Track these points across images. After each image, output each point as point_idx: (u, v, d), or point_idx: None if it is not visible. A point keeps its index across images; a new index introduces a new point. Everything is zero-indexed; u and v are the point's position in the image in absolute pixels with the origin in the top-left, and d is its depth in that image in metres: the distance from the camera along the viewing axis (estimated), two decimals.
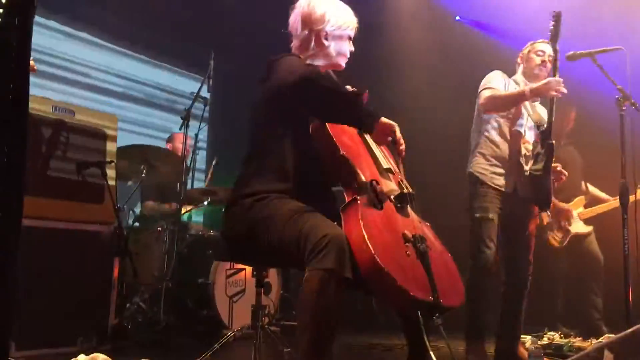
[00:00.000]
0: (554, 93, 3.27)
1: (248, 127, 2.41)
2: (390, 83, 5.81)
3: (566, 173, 3.53)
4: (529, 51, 3.61)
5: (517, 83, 3.62)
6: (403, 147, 2.29)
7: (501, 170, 3.48)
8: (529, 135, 3.57)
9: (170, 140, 5.59)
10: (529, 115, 3.54)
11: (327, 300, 1.92)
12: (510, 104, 3.47)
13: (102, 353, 2.72)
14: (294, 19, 2.48)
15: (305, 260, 1.97)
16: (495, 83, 3.52)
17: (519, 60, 3.67)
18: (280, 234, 2.08)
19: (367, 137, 2.40)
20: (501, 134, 3.53)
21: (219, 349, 2.37)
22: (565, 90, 3.29)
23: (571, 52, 3.25)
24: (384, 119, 2.21)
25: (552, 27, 3.30)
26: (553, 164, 3.39)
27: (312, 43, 2.46)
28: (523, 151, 3.50)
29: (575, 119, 4.90)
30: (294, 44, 2.50)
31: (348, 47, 2.51)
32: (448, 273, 2.21)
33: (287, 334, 3.62)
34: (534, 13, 4.92)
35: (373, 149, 2.38)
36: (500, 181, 3.46)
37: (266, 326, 2.47)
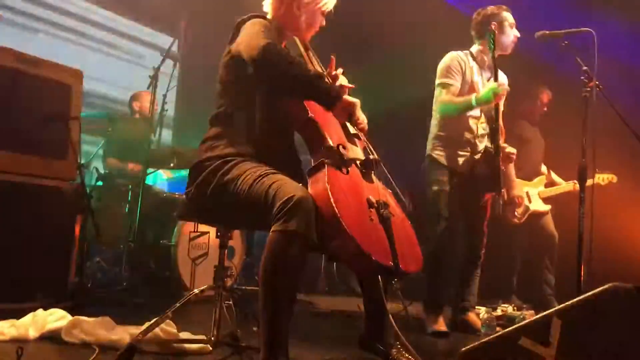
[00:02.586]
0: (498, 99, 3.44)
1: (215, 86, 2.40)
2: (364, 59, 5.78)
3: (514, 154, 3.65)
4: (504, 19, 3.64)
5: (474, 58, 3.69)
6: (363, 125, 2.33)
7: (459, 152, 3.62)
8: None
9: (136, 98, 5.45)
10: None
11: (290, 262, 1.94)
12: (459, 112, 3.59)
13: (62, 309, 2.72)
14: None
15: (271, 221, 1.98)
16: (453, 76, 3.58)
17: (492, 27, 3.59)
18: (247, 195, 2.09)
19: None
20: (457, 117, 3.62)
21: (179, 308, 2.37)
22: (506, 91, 3.46)
23: (540, 33, 3.29)
24: (345, 97, 2.23)
25: (492, 36, 3.46)
26: (502, 145, 3.54)
27: (282, 9, 2.45)
28: (480, 131, 3.62)
29: (549, 102, 4.98)
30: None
31: (319, 22, 2.49)
32: (408, 239, 2.25)
33: (249, 298, 3.65)
34: None
35: None
36: (457, 162, 3.61)
37: (228, 287, 2.47)
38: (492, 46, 3.48)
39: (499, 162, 3.47)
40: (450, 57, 3.66)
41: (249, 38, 2.20)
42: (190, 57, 5.57)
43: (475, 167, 3.61)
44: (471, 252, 3.71)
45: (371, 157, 2.33)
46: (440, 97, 3.60)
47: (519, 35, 3.65)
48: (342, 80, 2.45)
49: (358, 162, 2.29)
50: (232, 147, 2.24)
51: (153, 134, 4.66)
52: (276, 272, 1.96)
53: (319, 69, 2.44)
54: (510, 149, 3.62)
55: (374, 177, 2.33)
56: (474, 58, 3.70)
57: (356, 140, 2.41)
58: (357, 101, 2.25)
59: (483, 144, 3.64)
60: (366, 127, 2.37)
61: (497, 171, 3.47)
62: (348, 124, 2.39)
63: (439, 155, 3.63)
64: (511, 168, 4.35)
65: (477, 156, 3.63)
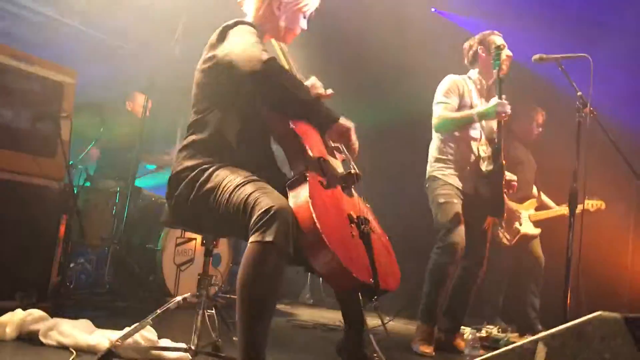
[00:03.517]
0: (501, 116, 3.45)
1: (194, 90, 2.34)
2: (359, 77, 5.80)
3: (515, 181, 3.67)
4: (491, 42, 3.67)
5: (472, 81, 3.72)
6: (355, 147, 2.32)
7: (462, 174, 3.62)
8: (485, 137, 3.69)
9: (129, 98, 5.39)
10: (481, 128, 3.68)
11: (266, 273, 1.91)
12: (459, 127, 3.60)
13: (41, 310, 2.68)
14: None
15: (249, 231, 1.95)
16: (450, 96, 3.60)
17: (478, 51, 3.72)
18: (227, 205, 2.06)
19: None
20: (458, 138, 3.64)
21: (160, 314, 2.33)
22: (509, 112, 3.47)
23: (537, 55, 3.30)
24: (341, 121, 2.23)
25: (497, 54, 3.50)
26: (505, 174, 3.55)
27: (262, 10, 2.41)
28: (481, 154, 3.61)
29: (544, 123, 4.99)
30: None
31: (300, 25, 2.46)
32: (387, 256, 2.23)
33: (233, 307, 3.62)
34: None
35: None
36: (460, 183, 3.61)
37: (211, 295, 2.44)
38: (497, 63, 3.50)
39: (502, 184, 3.48)
40: (449, 80, 3.69)
41: (245, 48, 2.14)
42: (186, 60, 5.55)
43: (478, 189, 3.59)
44: (469, 273, 3.65)
45: (352, 171, 2.30)
46: (438, 113, 3.60)
47: (511, 54, 3.66)
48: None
49: (339, 175, 2.26)
50: (210, 155, 2.21)
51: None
52: (253, 282, 1.93)
53: (298, 75, 2.41)
54: (511, 177, 3.63)
55: (353, 192, 2.30)
56: (473, 82, 3.73)
57: (336, 153, 2.39)
58: (352, 125, 2.26)
59: (484, 165, 3.62)
60: (357, 149, 2.36)
61: (500, 194, 3.48)
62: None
63: (443, 175, 3.62)
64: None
65: (480, 178, 3.60)
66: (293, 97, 2.16)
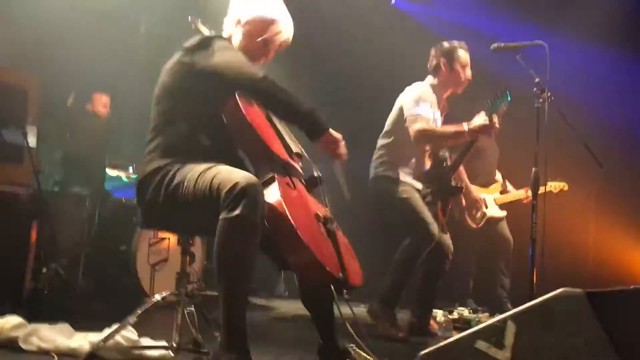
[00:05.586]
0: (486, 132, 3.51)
1: (158, 91, 2.35)
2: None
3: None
4: (455, 59, 3.73)
5: (434, 91, 3.75)
6: (344, 156, 2.41)
7: (412, 173, 3.71)
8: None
9: (90, 99, 5.30)
10: None
11: (237, 247, 1.98)
12: (447, 141, 3.67)
13: (18, 317, 2.66)
14: None
15: (220, 211, 2.00)
16: (424, 109, 3.61)
17: (440, 64, 3.76)
18: (194, 195, 2.09)
19: (275, 119, 2.45)
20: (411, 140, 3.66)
21: (139, 315, 2.35)
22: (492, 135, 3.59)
23: (496, 44, 3.40)
24: (331, 132, 2.32)
25: (499, 101, 3.52)
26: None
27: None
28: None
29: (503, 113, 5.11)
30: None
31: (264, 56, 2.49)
32: (350, 254, 2.33)
33: (210, 303, 3.64)
34: None
35: (281, 131, 2.44)
36: (414, 182, 3.70)
37: (189, 293, 2.47)
38: (493, 110, 3.50)
39: (449, 173, 3.60)
40: (420, 89, 3.73)
41: (242, 66, 2.24)
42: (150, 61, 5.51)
43: (432, 184, 3.68)
44: (437, 262, 3.68)
45: (315, 174, 2.41)
46: (421, 126, 3.57)
47: (470, 77, 3.76)
48: None
49: (303, 178, 2.38)
50: (174, 156, 2.23)
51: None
52: (227, 258, 2.00)
53: None
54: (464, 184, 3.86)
55: (315, 195, 2.40)
56: (434, 93, 3.77)
57: (297, 157, 2.46)
58: (340, 136, 2.35)
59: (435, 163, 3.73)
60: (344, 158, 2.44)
61: (448, 179, 3.59)
62: (288, 141, 2.43)
63: (394, 173, 3.68)
64: (463, 174, 4.48)
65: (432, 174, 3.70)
66: (293, 111, 2.28)
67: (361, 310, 3.69)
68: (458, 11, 5.52)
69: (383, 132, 3.84)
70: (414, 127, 3.57)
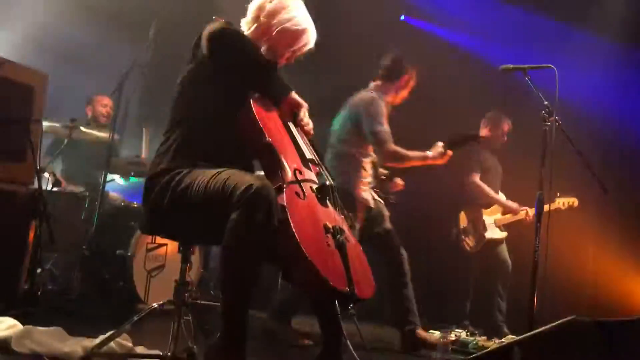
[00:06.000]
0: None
1: (174, 97, 2.36)
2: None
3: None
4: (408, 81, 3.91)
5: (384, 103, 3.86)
6: (309, 127, 2.41)
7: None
8: None
9: (89, 102, 5.32)
10: None
11: (245, 249, 1.96)
12: (411, 164, 3.81)
13: (11, 318, 2.63)
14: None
15: (231, 211, 1.98)
16: (386, 123, 3.74)
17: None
18: (204, 196, 2.07)
19: (291, 126, 2.42)
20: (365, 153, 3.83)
21: (134, 322, 2.32)
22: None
23: (505, 66, 3.40)
24: (294, 96, 2.30)
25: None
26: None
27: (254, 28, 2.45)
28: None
29: (508, 131, 5.10)
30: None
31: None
32: (361, 265, 2.28)
33: (204, 312, 3.60)
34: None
35: (297, 138, 2.40)
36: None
37: (187, 302, 2.44)
38: (455, 147, 3.79)
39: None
40: (378, 102, 3.81)
41: (210, 26, 2.24)
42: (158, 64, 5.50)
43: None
44: (395, 271, 3.78)
45: (327, 182, 2.34)
46: (395, 148, 3.70)
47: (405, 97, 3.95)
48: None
49: (314, 187, 2.30)
50: (185, 158, 2.22)
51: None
52: (233, 259, 1.98)
53: None
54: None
55: (328, 203, 2.32)
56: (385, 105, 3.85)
57: (310, 165, 2.41)
58: (305, 104, 2.34)
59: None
60: (312, 131, 2.42)
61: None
62: (303, 148, 2.39)
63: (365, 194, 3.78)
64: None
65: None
66: (249, 59, 2.24)
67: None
68: (465, 33, 5.56)
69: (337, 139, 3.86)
70: (388, 147, 3.70)
